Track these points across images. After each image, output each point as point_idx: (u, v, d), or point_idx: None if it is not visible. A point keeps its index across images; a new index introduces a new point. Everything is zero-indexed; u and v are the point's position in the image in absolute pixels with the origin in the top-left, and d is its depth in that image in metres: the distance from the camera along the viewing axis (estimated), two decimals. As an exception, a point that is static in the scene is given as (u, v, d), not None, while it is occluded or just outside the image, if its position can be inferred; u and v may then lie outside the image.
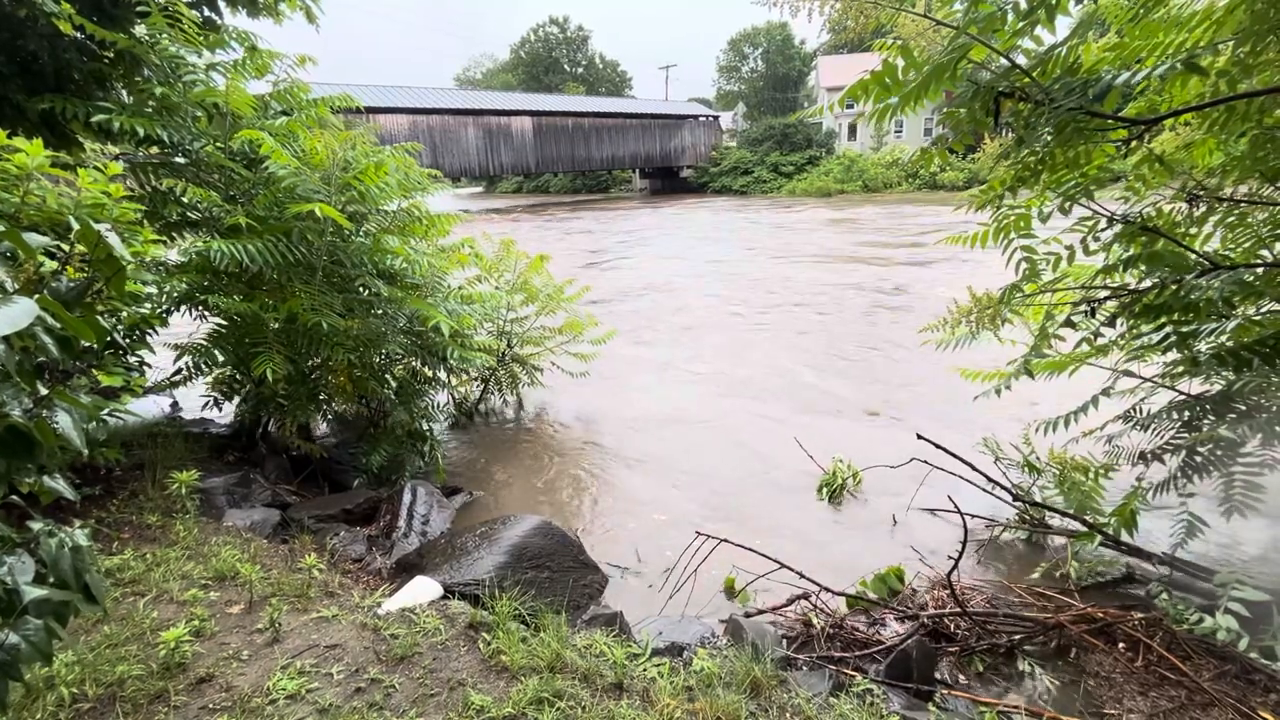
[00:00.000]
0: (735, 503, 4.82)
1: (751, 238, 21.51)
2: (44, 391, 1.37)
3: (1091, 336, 3.53)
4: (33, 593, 1.25)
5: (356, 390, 4.82)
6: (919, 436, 3.54)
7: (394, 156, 4.66)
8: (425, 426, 5.32)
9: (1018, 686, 2.90)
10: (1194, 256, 2.96)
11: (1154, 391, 3.63)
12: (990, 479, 3.74)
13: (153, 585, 2.90)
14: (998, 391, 4.01)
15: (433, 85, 41.13)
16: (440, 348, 4.93)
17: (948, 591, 3.39)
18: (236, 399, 4.98)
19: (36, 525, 1.37)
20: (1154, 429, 3.48)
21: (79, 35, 4.01)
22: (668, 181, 49.68)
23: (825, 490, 4.83)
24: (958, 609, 3.20)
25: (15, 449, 1.27)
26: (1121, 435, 3.70)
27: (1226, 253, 3.08)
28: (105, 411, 3.33)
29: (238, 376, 4.79)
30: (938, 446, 3.50)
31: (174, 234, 4.46)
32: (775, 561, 3.52)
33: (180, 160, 4.39)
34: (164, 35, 4.15)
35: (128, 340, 3.78)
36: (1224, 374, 3.07)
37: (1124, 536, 3.45)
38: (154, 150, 4.34)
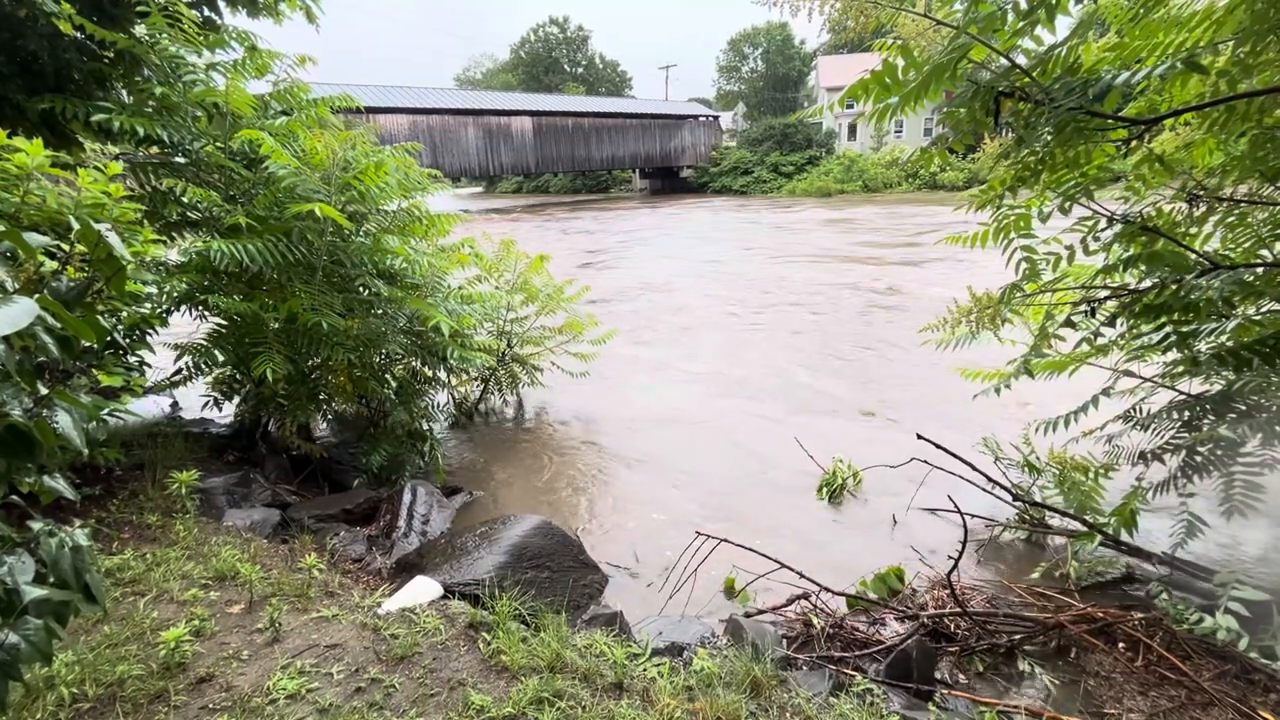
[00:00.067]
0: (734, 502, 4.82)
1: (749, 238, 21.51)
2: (44, 391, 1.37)
3: (1091, 336, 3.53)
4: (33, 592, 1.25)
5: (356, 390, 4.82)
6: (919, 436, 3.54)
7: (394, 156, 4.66)
8: (425, 426, 5.32)
9: (1018, 686, 2.90)
10: (1194, 256, 2.96)
11: (1154, 391, 3.63)
12: (990, 479, 3.74)
13: (153, 585, 2.90)
14: (997, 391, 4.01)
15: (433, 85, 41.14)
16: (440, 348, 4.93)
17: (948, 591, 3.39)
18: (236, 399, 4.98)
19: (36, 525, 1.37)
20: (1154, 429, 3.48)
21: (79, 35, 4.01)
22: (668, 181, 49.68)
23: (825, 490, 4.83)
24: (958, 609, 3.20)
25: (15, 448, 1.27)
26: (1121, 435, 3.70)
27: (1226, 253, 3.08)
28: (105, 411, 3.33)
29: (238, 376, 4.79)
30: (938, 446, 3.50)
31: (174, 234, 4.46)
32: (775, 561, 3.52)
33: (180, 160, 4.39)
34: (164, 35, 4.15)
35: (128, 340, 3.78)
36: (1224, 374, 3.07)
37: (1124, 536, 3.45)
38: (154, 150, 4.34)
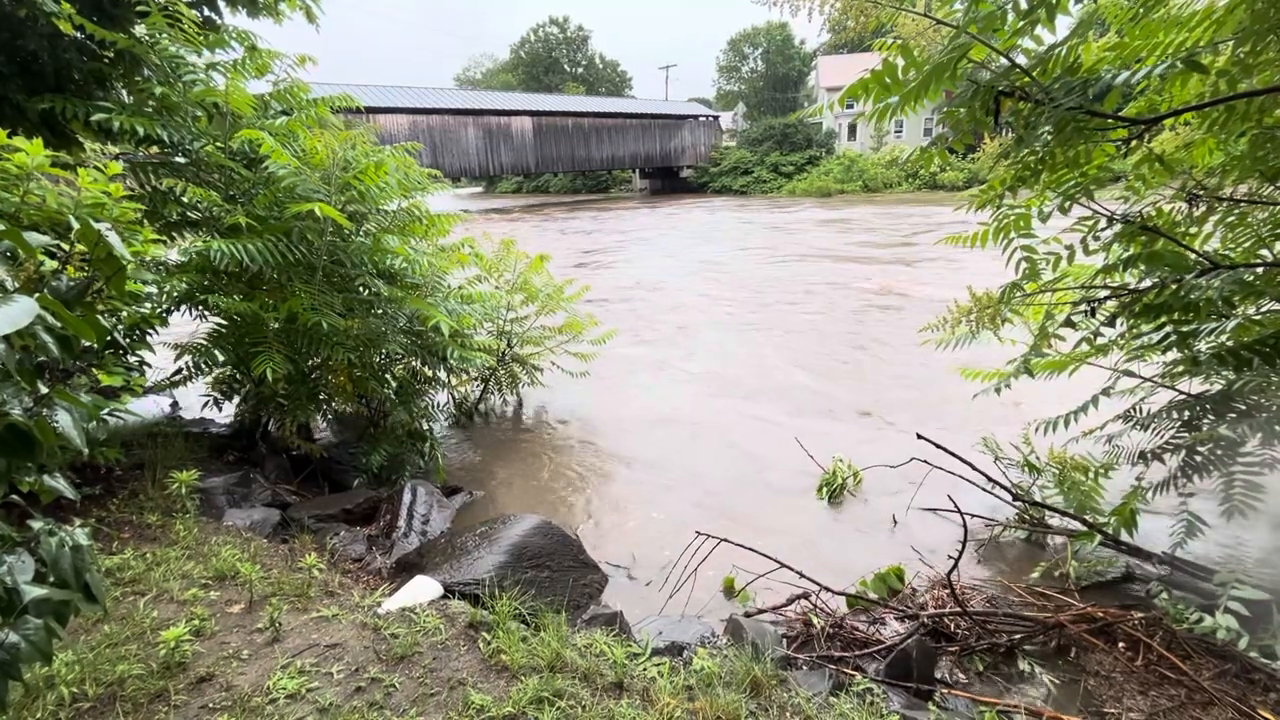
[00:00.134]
0: (734, 502, 4.82)
1: (746, 238, 21.52)
2: (44, 390, 1.37)
3: (1091, 336, 3.53)
4: (33, 592, 1.25)
5: (356, 390, 4.82)
6: (919, 436, 3.54)
7: (394, 156, 4.66)
8: (425, 426, 5.32)
9: (1018, 686, 2.90)
10: (1194, 256, 2.96)
11: (1154, 391, 3.63)
12: (990, 479, 3.74)
13: (153, 585, 2.90)
14: (998, 390, 4.01)
15: (433, 85, 41.14)
16: (440, 347, 4.93)
17: (947, 591, 3.39)
18: (236, 399, 4.98)
19: (37, 524, 1.37)
20: (1154, 429, 3.48)
21: (79, 35, 4.01)
22: (668, 181, 49.67)
23: (825, 490, 4.83)
24: (958, 608, 3.20)
25: (15, 448, 1.27)
26: (1121, 435, 3.70)
27: (1226, 252, 3.08)
28: (105, 411, 3.33)
29: (238, 376, 4.79)
30: (938, 446, 3.50)
31: (174, 234, 4.46)
32: (775, 561, 3.52)
33: (180, 160, 4.39)
34: (164, 35, 4.15)
35: (128, 340, 3.78)
36: (1224, 373, 3.07)
37: (1124, 536, 3.46)
38: (154, 150, 4.34)
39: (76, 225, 1.46)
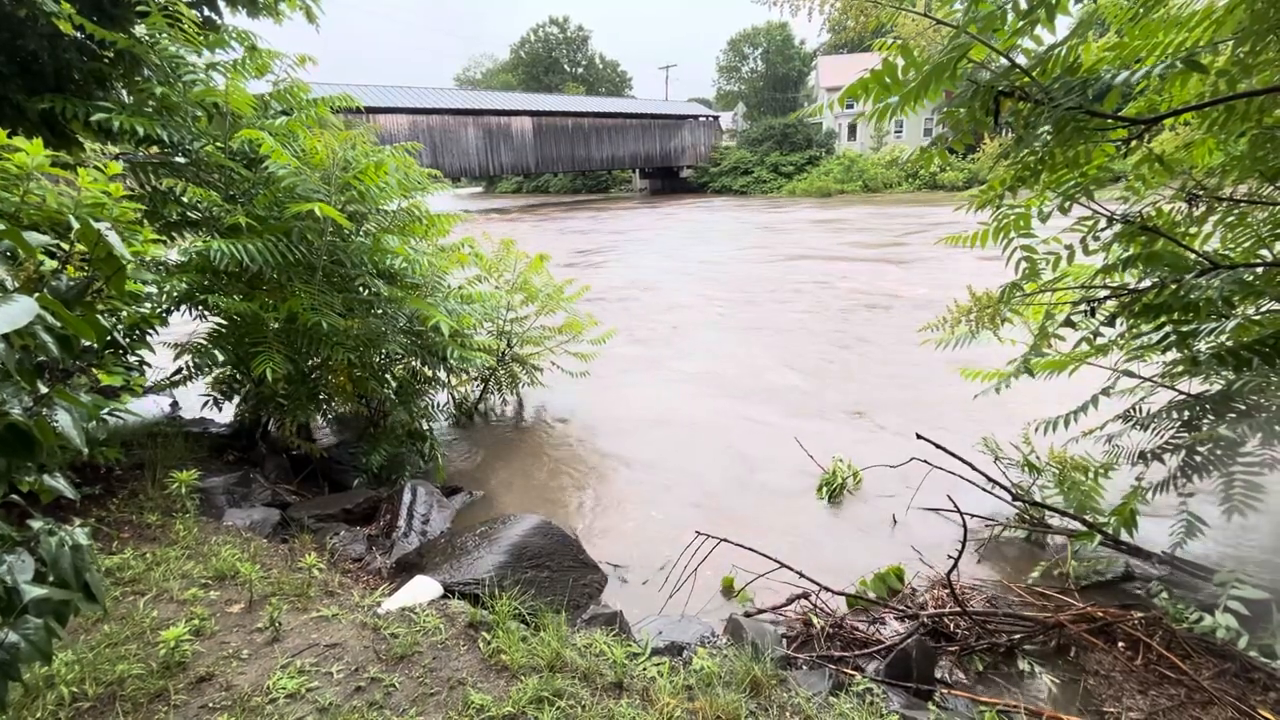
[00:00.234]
0: (733, 502, 4.82)
1: (743, 237, 21.53)
2: (44, 390, 1.37)
3: (1091, 336, 3.53)
4: (32, 591, 1.25)
5: (356, 390, 4.82)
6: (918, 436, 3.54)
7: (394, 156, 4.66)
8: (425, 426, 5.32)
9: (1017, 685, 2.90)
10: (1193, 256, 2.96)
11: (1154, 391, 3.63)
12: (990, 479, 3.74)
13: (152, 584, 2.90)
14: (998, 390, 4.01)
15: (433, 85, 41.15)
16: (440, 347, 4.93)
17: (947, 591, 3.40)
18: (236, 399, 4.98)
19: (36, 524, 1.37)
20: (1154, 429, 3.48)
21: (79, 35, 4.01)
22: (668, 182, 49.68)
23: (825, 490, 4.83)
24: (957, 608, 3.20)
25: (15, 447, 1.27)
26: (1121, 435, 3.70)
27: (1226, 252, 3.08)
28: (105, 411, 3.33)
29: (238, 376, 4.79)
30: (937, 446, 3.50)
31: (174, 234, 4.46)
32: (775, 561, 3.52)
33: (180, 160, 4.40)
34: (164, 35, 4.15)
35: (128, 340, 3.78)
36: (1224, 373, 3.07)
37: (1124, 536, 3.46)
38: (154, 150, 4.34)
39: (76, 225, 1.46)
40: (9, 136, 2.84)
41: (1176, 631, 2.98)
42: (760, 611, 3.44)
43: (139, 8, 4.01)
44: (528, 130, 38.97)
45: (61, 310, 1.27)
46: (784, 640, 3.12)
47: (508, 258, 6.45)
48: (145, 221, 3.90)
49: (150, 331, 3.92)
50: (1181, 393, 3.42)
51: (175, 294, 4.21)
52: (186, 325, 4.69)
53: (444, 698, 2.30)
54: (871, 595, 3.54)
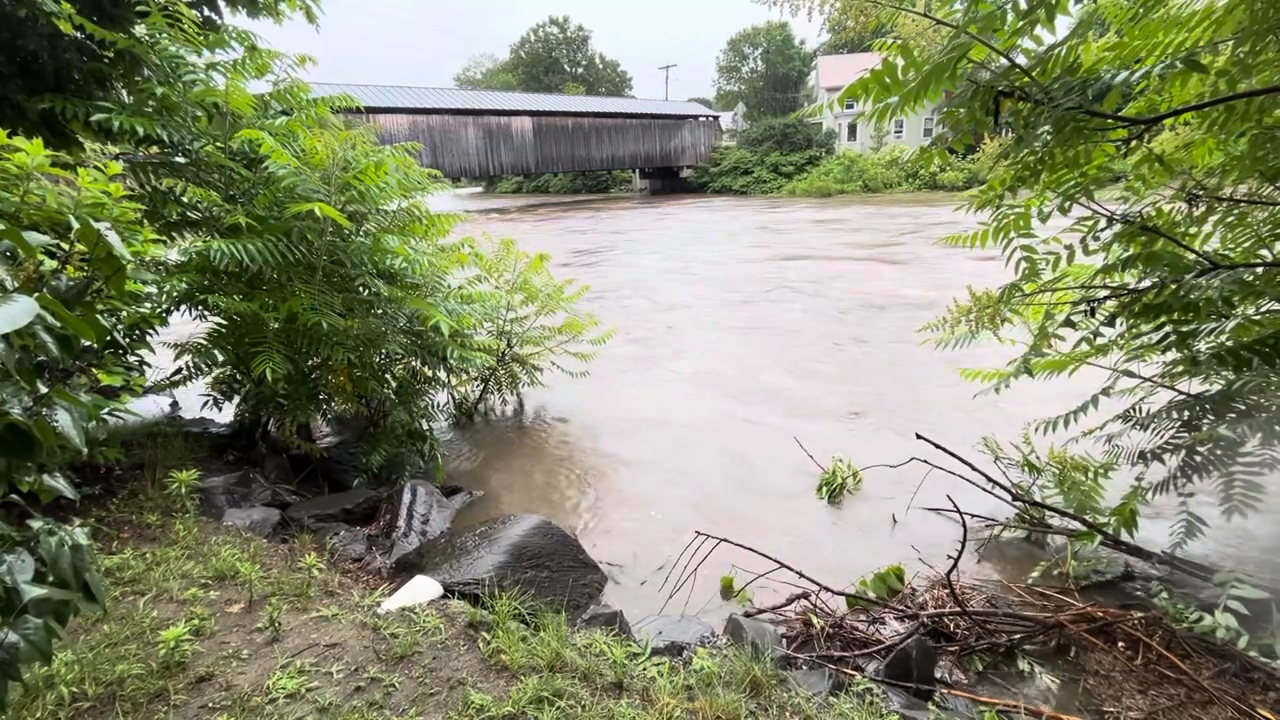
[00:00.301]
0: (733, 502, 4.82)
1: (743, 237, 21.54)
2: (44, 390, 1.37)
3: (1091, 336, 3.53)
4: (32, 591, 1.25)
5: (356, 390, 4.82)
6: (918, 436, 3.54)
7: (394, 156, 4.66)
8: (425, 426, 5.32)
9: (1017, 685, 2.90)
10: (1193, 256, 2.96)
11: (1154, 391, 3.63)
12: (990, 479, 3.74)
13: (152, 584, 2.90)
14: (997, 390, 4.01)
15: (433, 85, 41.14)
16: (440, 347, 4.93)
17: (947, 591, 3.39)
18: (236, 399, 4.98)
19: (36, 524, 1.37)
20: (1154, 429, 3.48)
21: (79, 35, 4.01)
22: (668, 182, 49.67)
23: (825, 490, 4.83)
24: (957, 608, 3.20)
25: (15, 447, 1.27)
26: (1121, 435, 3.71)
27: (1226, 252, 3.08)
28: (105, 411, 3.33)
29: (238, 376, 4.79)
30: (937, 446, 3.50)
31: (174, 234, 4.46)
32: (775, 561, 3.52)
33: (180, 160, 4.40)
34: (164, 35, 4.15)
35: (128, 339, 3.78)
36: (1224, 373, 3.07)
37: (1124, 536, 3.45)
38: (154, 150, 4.34)
39: (76, 225, 1.46)
40: (9, 136, 2.84)
41: (1176, 631, 2.98)
42: (760, 611, 3.44)
43: (139, 8, 4.01)
44: (528, 130, 38.96)
45: (61, 310, 1.27)
46: (784, 640, 3.12)
47: (507, 258, 6.45)
48: (145, 221, 3.90)
49: (150, 331, 3.92)
50: (1181, 393, 3.42)
51: (175, 294, 4.21)
52: (186, 325, 4.69)
53: (444, 698, 2.30)
54: (871, 595, 3.54)
